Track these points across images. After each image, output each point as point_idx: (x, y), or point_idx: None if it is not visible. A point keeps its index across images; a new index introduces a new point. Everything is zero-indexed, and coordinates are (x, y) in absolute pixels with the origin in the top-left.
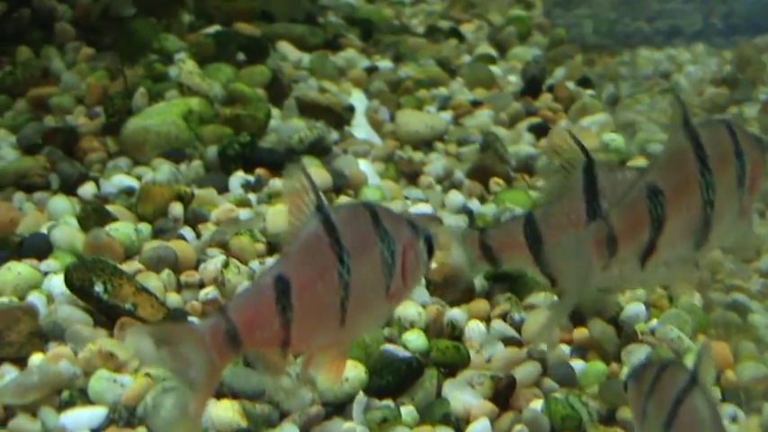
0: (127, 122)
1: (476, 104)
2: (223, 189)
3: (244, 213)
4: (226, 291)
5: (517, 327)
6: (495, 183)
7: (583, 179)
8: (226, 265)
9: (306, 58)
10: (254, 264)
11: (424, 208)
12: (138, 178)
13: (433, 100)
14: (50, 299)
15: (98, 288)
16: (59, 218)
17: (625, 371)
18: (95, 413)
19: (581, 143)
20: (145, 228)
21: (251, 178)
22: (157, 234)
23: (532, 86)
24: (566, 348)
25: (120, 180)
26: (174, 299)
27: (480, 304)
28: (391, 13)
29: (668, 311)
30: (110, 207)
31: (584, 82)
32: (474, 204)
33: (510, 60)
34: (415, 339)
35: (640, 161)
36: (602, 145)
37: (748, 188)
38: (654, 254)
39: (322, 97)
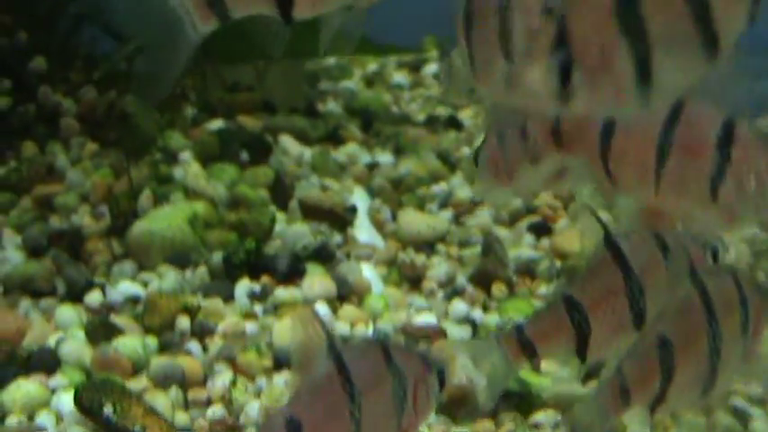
0: (132, 225)
1: (476, 202)
2: (229, 298)
3: (250, 326)
4: (233, 409)
5: None
6: (498, 289)
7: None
8: (233, 383)
9: (307, 152)
10: (262, 380)
11: (427, 318)
12: (144, 285)
13: (433, 198)
14: (59, 418)
15: (107, 410)
16: (66, 329)
17: None
18: None
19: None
20: (152, 341)
21: (256, 287)
22: (164, 348)
23: None
24: None
25: (126, 287)
26: (181, 417)
27: (486, 424)
28: (390, 98)
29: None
30: (116, 318)
31: None
32: (477, 313)
33: None
34: None
35: None
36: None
37: (752, 334)
38: (663, 403)
39: (324, 199)
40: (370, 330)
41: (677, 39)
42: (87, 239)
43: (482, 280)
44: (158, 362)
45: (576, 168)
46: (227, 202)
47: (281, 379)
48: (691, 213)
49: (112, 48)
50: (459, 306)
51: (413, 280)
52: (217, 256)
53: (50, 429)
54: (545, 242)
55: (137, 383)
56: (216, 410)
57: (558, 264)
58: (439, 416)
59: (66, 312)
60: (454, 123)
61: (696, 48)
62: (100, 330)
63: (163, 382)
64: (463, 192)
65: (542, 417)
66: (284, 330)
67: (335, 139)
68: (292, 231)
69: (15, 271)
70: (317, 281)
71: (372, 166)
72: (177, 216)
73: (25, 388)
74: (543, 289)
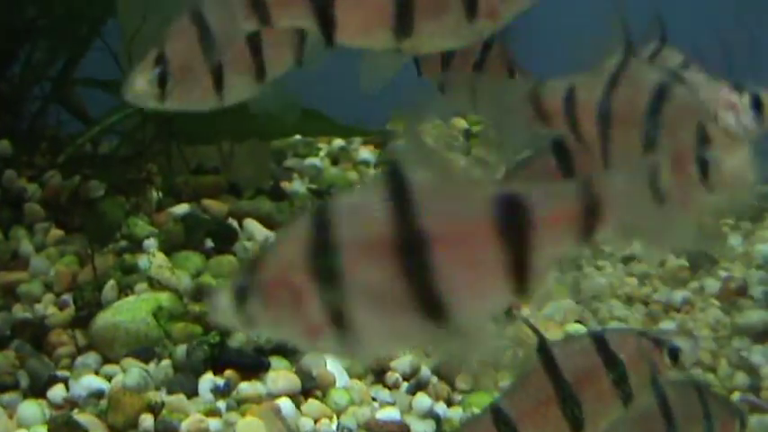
0: (96, 317)
1: None
2: (192, 393)
3: (213, 424)
4: None
5: None
6: (462, 380)
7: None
8: None
9: (273, 237)
10: None
11: (391, 413)
12: (108, 379)
13: None
14: None
15: None
16: (29, 426)
17: None
18: None
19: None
20: None
21: (220, 382)
22: None
23: None
24: None
25: (89, 381)
26: None
27: None
28: (356, 175)
29: None
30: (80, 415)
31: None
32: (441, 408)
33: None
34: None
35: None
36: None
37: None
38: None
39: None
40: (334, 426)
41: None
42: (51, 330)
43: (446, 371)
44: None
45: None
46: (192, 292)
47: None
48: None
49: (78, 129)
50: (423, 401)
51: (377, 372)
52: (181, 350)
53: None
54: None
55: None
56: None
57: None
58: None
59: (30, 408)
60: None
61: None
62: (63, 429)
63: None
64: None
65: None
66: (248, 428)
67: None
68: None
69: None
70: (281, 375)
71: None
72: (142, 308)
73: None
74: (507, 381)
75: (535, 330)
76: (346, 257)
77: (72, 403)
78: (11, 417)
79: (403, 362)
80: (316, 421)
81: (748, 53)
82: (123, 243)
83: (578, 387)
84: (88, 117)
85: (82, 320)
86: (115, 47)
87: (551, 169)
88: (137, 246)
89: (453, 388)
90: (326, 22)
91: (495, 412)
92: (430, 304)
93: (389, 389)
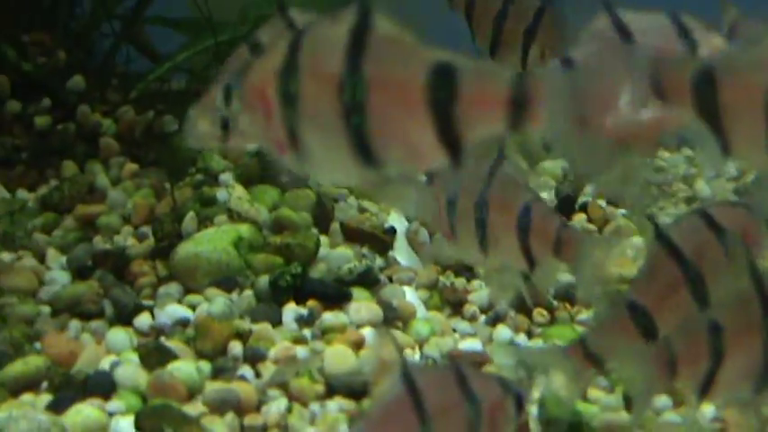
0: (177, 248)
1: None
2: (277, 322)
3: (301, 351)
4: None
5: None
6: (539, 313)
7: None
8: (289, 410)
9: None
10: (315, 406)
11: (472, 343)
12: (192, 308)
13: None
14: None
15: None
16: (119, 353)
17: None
18: None
19: None
20: (205, 366)
21: (303, 311)
22: (218, 374)
23: (566, 206)
24: None
25: (173, 310)
26: None
27: None
28: None
29: None
30: (168, 342)
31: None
32: (522, 339)
33: (541, 174)
34: None
35: None
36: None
37: None
38: (712, 389)
39: (365, 221)
40: (417, 356)
41: None
42: (132, 261)
43: (524, 305)
44: (213, 387)
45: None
46: (271, 225)
47: (335, 405)
48: None
49: (146, 66)
50: (503, 332)
51: (454, 304)
52: (263, 280)
53: None
54: None
55: (193, 409)
56: None
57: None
58: None
59: (118, 335)
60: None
61: None
62: (154, 354)
63: (219, 407)
64: None
65: None
66: (335, 356)
67: None
68: (336, 255)
69: (63, 292)
70: (363, 306)
71: None
72: (222, 239)
73: (84, 412)
74: (584, 315)
75: (651, 218)
76: (302, 83)
77: (158, 331)
78: (99, 343)
79: (480, 295)
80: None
81: None
82: (200, 176)
83: (700, 265)
84: (156, 54)
85: (162, 251)
86: None
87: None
88: (213, 179)
89: (531, 320)
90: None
91: (630, 305)
92: (361, 144)
93: (468, 321)
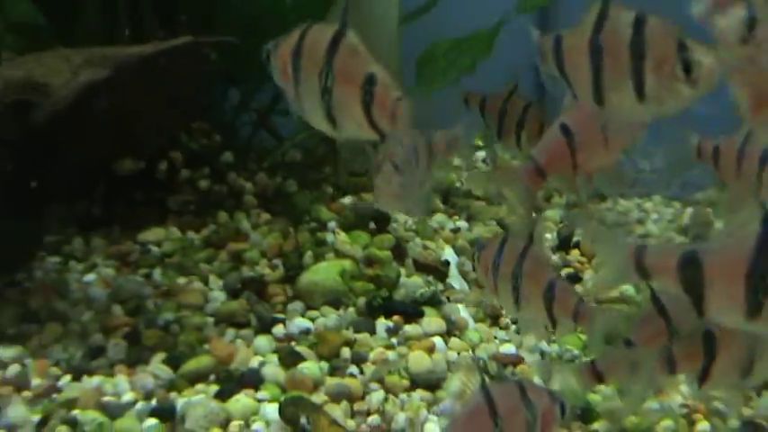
0: (300, 276)
1: (533, 219)
2: (372, 332)
3: (391, 355)
4: (386, 418)
5: None
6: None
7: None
8: (386, 399)
9: (410, 221)
10: (404, 396)
11: (509, 348)
12: (312, 320)
13: None
14: (267, 425)
15: (303, 420)
16: (264, 354)
17: None
18: None
19: None
20: (324, 365)
21: (390, 324)
22: (334, 371)
23: (564, 244)
24: None
25: (299, 322)
26: (349, 424)
27: (560, 431)
28: (456, 176)
29: None
30: (297, 347)
31: None
32: (544, 345)
33: (545, 220)
34: None
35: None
36: (620, 294)
37: None
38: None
39: (428, 256)
40: (470, 357)
41: None
42: (268, 285)
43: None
44: (331, 382)
45: None
46: (364, 260)
47: (418, 396)
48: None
49: (270, 142)
50: (530, 339)
51: (493, 317)
52: (361, 301)
53: None
54: (578, 288)
55: (317, 398)
56: (374, 419)
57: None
58: None
59: (262, 341)
60: (501, 196)
61: None
62: (289, 357)
63: (336, 397)
64: None
65: (598, 425)
66: (415, 359)
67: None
68: (411, 282)
69: (221, 307)
70: (432, 320)
71: (455, 231)
72: (332, 270)
73: (242, 401)
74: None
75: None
76: (302, 63)
77: (290, 338)
78: (248, 346)
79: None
80: (458, 353)
81: None
82: (313, 224)
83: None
84: (280, 136)
85: (290, 278)
86: None
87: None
88: (323, 226)
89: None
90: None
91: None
92: (328, 113)
93: (503, 329)
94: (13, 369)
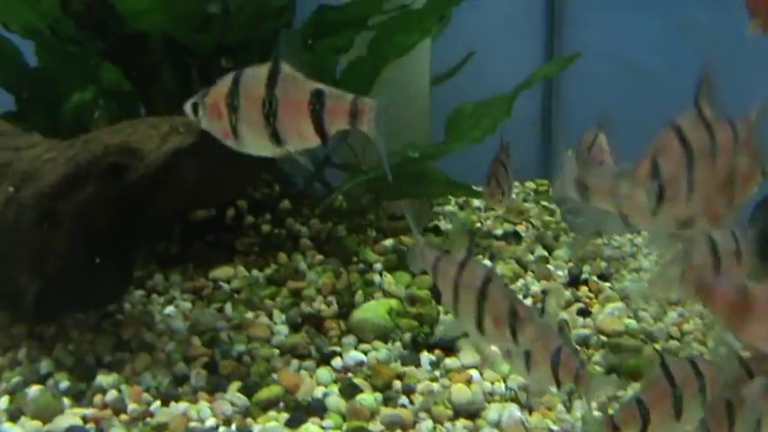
0: (353, 312)
1: (544, 293)
2: (417, 365)
3: (435, 386)
4: None
5: None
6: None
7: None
8: (434, 429)
9: None
10: (448, 425)
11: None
12: (365, 353)
13: (518, 292)
14: None
15: None
16: (326, 385)
17: None
18: None
19: None
20: (378, 396)
21: (433, 357)
22: (387, 401)
23: (575, 281)
24: None
25: (354, 355)
26: None
27: None
28: (476, 217)
29: None
30: (354, 379)
31: (602, 276)
32: None
33: (557, 260)
34: None
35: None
36: (624, 326)
37: None
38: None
39: None
40: (503, 387)
41: None
42: (325, 320)
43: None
44: (386, 412)
45: None
46: (408, 299)
47: (461, 424)
48: None
49: (326, 193)
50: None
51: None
52: (406, 336)
53: None
54: (588, 321)
55: (374, 427)
56: None
57: (603, 338)
58: None
59: (323, 372)
60: (517, 236)
61: None
62: (348, 389)
63: (391, 426)
64: (534, 286)
65: None
66: (457, 390)
67: None
68: (448, 320)
69: (285, 340)
70: (468, 353)
71: None
72: (380, 308)
73: (311, 429)
74: (597, 356)
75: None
76: (241, 100)
77: (346, 369)
78: (311, 377)
79: None
80: (492, 383)
81: None
82: (361, 265)
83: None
84: (331, 186)
85: (343, 314)
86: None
87: None
88: (369, 266)
89: None
90: None
91: (637, 400)
92: (275, 135)
93: None
94: (111, 395)
